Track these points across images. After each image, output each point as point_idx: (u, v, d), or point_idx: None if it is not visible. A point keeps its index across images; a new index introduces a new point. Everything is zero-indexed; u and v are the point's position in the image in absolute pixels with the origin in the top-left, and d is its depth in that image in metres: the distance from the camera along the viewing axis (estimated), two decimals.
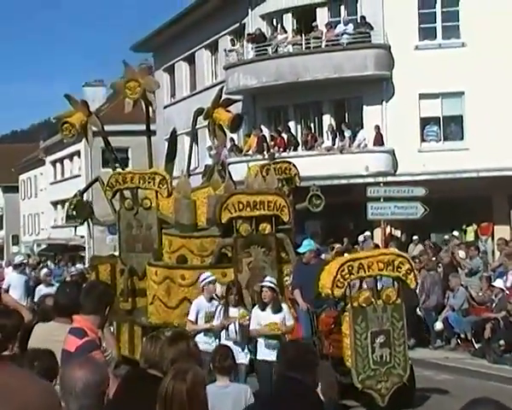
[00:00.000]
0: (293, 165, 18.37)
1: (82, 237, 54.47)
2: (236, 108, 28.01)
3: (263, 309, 13.29)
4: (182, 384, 5.13)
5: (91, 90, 58.19)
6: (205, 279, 13.72)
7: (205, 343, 12.62)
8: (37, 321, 8.71)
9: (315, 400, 6.12)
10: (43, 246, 60.54)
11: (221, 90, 19.10)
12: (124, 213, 16.66)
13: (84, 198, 18.32)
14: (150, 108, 18.89)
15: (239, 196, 15.11)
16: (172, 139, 20.19)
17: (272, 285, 13.43)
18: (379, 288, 14.47)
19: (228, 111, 18.01)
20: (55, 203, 63.70)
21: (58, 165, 63.98)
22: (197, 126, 19.58)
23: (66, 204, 61.09)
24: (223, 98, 18.21)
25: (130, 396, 6.51)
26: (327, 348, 14.49)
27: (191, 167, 21.08)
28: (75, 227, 55.43)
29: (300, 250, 16.54)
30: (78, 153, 57.80)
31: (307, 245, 16.55)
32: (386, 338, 13.77)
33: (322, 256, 19.82)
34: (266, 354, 12.84)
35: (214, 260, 15.17)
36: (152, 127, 45.40)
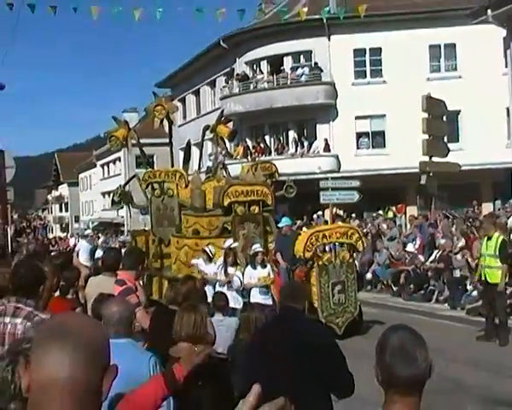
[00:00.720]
0: (274, 164, 18.59)
1: (122, 217, 54.29)
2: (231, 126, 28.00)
3: (254, 268, 13.33)
4: (191, 313, 5.18)
5: (128, 115, 57.65)
6: (228, 244, 13.78)
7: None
8: (90, 275, 8.72)
9: (306, 318, 6.35)
10: (96, 223, 60.32)
11: (222, 112, 19.52)
12: (154, 200, 16.93)
13: (126, 189, 18.17)
14: (172, 126, 19.14)
15: (236, 187, 15.48)
16: (187, 148, 20.30)
17: (261, 250, 13.70)
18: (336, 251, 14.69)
19: (227, 127, 18.28)
20: (103, 193, 63.51)
21: (105, 167, 63.82)
22: (205, 138, 19.48)
23: (112, 194, 61.19)
24: (223, 118, 18.48)
25: (159, 325, 6.52)
26: None
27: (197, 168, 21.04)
28: (117, 210, 55.73)
29: (280, 225, 16.67)
30: (119, 158, 57.57)
31: (285, 221, 16.71)
32: (342, 287, 14.20)
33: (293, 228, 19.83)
34: (259, 298, 12.93)
35: (219, 232, 15.42)
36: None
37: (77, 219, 75.24)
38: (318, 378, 5.19)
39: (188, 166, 18.92)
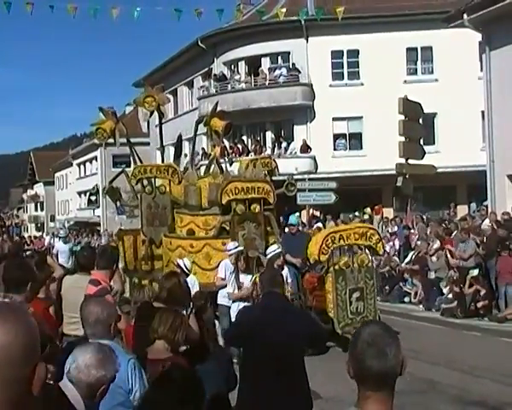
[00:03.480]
0: (274, 160, 17.52)
1: (98, 216, 54.11)
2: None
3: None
4: (174, 316, 5.18)
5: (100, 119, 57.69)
6: (233, 248, 12.60)
7: (224, 297, 12.17)
8: (65, 274, 8.62)
9: (287, 301, 6.67)
10: (72, 223, 59.97)
11: (216, 104, 17.84)
12: (145, 197, 15.53)
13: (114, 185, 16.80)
14: (162, 118, 17.70)
15: (235, 183, 14.15)
16: (179, 142, 19.47)
17: (282, 251, 12.87)
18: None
19: (222, 120, 16.94)
20: (79, 193, 63.34)
21: (82, 166, 63.56)
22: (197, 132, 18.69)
23: (88, 193, 60.43)
24: (217, 110, 17.28)
25: (143, 322, 6.52)
26: (310, 301, 13.64)
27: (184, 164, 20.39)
28: (93, 210, 55.50)
29: (293, 222, 15.90)
30: (95, 157, 57.39)
31: (295, 219, 15.94)
32: (360, 294, 12.91)
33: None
34: None
35: (216, 232, 14.20)
36: (147, 140, 45.20)
37: (52, 219, 74.81)
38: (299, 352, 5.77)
39: (179, 162, 17.98)
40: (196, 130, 18.44)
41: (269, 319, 5.71)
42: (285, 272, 12.40)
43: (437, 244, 18.80)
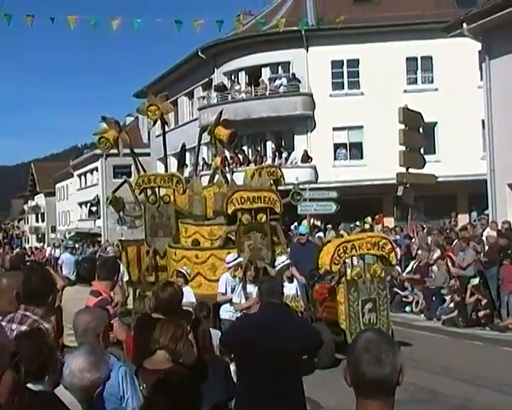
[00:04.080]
0: (280, 169, 17.15)
1: (99, 227, 54.10)
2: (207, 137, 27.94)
3: None
4: (176, 327, 5.16)
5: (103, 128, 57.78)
6: (232, 260, 12.48)
7: (228, 312, 11.81)
8: (66, 285, 8.62)
9: (286, 311, 6.67)
10: (72, 233, 59.94)
11: (221, 112, 17.44)
12: (148, 207, 15.28)
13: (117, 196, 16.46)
14: (165, 127, 17.36)
15: (241, 193, 13.78)
16: (182, 152, 19.28)
17: (291, 262, 12.61)
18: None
19: (226, 128, 16.73)
20: (80, 204, 63.41)
21: (82, 177, 63.64)
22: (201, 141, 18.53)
23: (89, 204, 60.34)
24: (222, 119, 16.95)
25: (142, 333, 6.51)
26: (321, 312, 13.38)
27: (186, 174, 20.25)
28: (94, 220, 55.51)
29: (302, 231, 15.57)
30: (96, 168, 57.44)
31: (303, 229, 15.62)
32: (373, 305, 12.45)
33: None
34: None
35: (222, 242, 13.94)
36: (147, 151, 45.20)
37: (53, 230, 74.83)
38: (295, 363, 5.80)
39: (183, 171, 17.70)
40: (200, 139, 18.31)
41: (266, 327, 5.71)
42: (294, 284, 12.31)
43: (437, 253, 18.78)
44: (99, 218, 54.47)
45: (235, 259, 12.41)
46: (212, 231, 14.45)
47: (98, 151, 54.45)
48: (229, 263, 12.36)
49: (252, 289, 11.53)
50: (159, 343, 5.32)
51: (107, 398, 4.54)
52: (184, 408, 3.75)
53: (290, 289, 12.02)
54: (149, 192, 15.40)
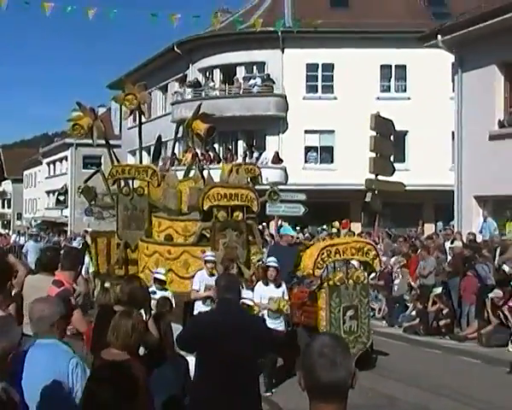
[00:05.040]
0: (258, 167, 16.95)
1: (66, 216, 53.66)
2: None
3: (266, 284, 11.78)
4: (127, 320, 5.09)
5: (77, 114, 57.23)
6: (206, 257, 12.23)
7: (202, 309, 11.28)
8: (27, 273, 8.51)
9: (241, 309, 6.62)
10: (39, 221, 59.40)
11: (199, 105, 16.92)
12: (121, 198, 14.91)
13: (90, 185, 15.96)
14: (142, 118, 16.85)
15: (218, 189, 13.46)
16: (158, 143, 18.90)
17: (277, 265, 11.86)
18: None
19: (204, 122, 16.20)
20: (48, 192, 62.80)
21: (51, 165, 63.06)
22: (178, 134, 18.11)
23: (57, 193, 59.73)
24: (200, 112, 16.44)
25: (101, 325, 6.47)
26: (299, 317, 12.98)
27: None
28: (61, 210, 55.01)
29: (282, 231, 15.13)
30: (65, 157, 56.97)
31: (286, 229, 15.15)
32: (354, 312, 12.03)
33: None
34: (269, 322, 10.74)
35: (196, 239, 13.52)
36: (118, 143, 44.89)
37: (19, 217, 74.08)
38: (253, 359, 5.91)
39: (158, 163, 17.50)
40: (177, 132, 17.98)
41: (222, 324, 5.73)
42: (282, 288, 11.88)
43: (402, 261, 18.93)
44: (66, 207, 54.03)
45: (213, 255, 12.28)
46: (186, 227, 14.04)
47: (69, 140, 54.09)
48: (207, 256, 12.22)
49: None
50: (112, 343, 5.26)
51: (55, 389, 4.52)
52: (125, 400, 3.75)
53: (276, 291, 11.69)
54: (122, 183, 15.07)
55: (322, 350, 2.73)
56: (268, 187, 15.45)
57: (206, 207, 13.27)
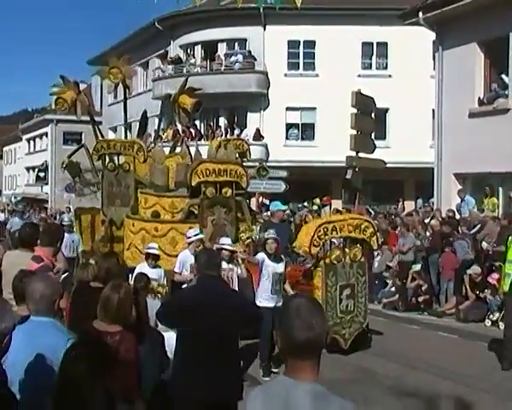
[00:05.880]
0: (246, 142, 16.66)
1: (46, 193, 53.36)
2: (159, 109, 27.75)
3: (268, 257, 10.80)
4: (115, 294, 5.11)
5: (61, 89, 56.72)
6: (193, 236, 11.37)
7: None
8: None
9: (222, 284, 6.49)
10: (19, 198, 58.98)
11: (186, 80, 16.50)
12: (107, 174, 14.57)
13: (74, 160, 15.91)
14: (127, 92, 16.77)
15: (206, 164, 13.13)
16: (144, 118, 18.61)
17: (277, 237, 10.94)
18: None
19: (191, 97, 15.91)
20: (28, 168, 62.36)
21: (31, 141, 62.57)
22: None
23: (36, 169, 59.21)
24: (187, 87, 16.10)
25: (79, 301, 6.49)
26: None
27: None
28: (42, 186, 54.67)
29: (273, 207, 14.76)
30: (46, 134, 56.51)
31: (277, 205, 14.82)
32: (351, 291, 11.81)
33: None
34: (266, 301, 10.48)
35: (183, 216, 13.21)
36: (99, 119, 44.71)
37: None
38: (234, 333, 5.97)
39: (143, 139, 17.15)
40: (163, 106, 17.73)
41: (203, 300, 5.77)
42: (283, 264, 11.05)
43: (382, 238, 19.05)
44: (46, 184, 53.72)
45: (197, 234, 11.49)
46: (173, 203, 13.73)
47: (48, 116, 53.70)
48: (190, 238, 11.42)
49: (225, 266, 10.48)
50: (100, 315, 5.27)
51: (53, 369, 4.53)
52: (96, 375, 3.79)
53: (278, 266, 10.86)
54: (108, 159, 14.72)
55: (298, 311, 2.89)
56: (252, 164, 15.17)
57: (194, 183, 13.02)
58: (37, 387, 4.48)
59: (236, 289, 10.42)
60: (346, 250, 11.98)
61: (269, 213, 19.80)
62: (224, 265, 10.47)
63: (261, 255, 10.84)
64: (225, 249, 10.77)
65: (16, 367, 4.49)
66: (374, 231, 12.09)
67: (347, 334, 11.79)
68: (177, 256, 11.68)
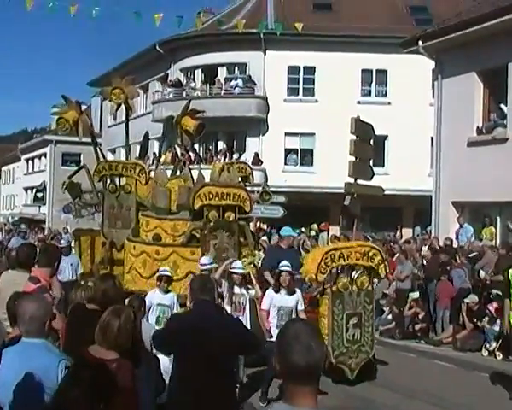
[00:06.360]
0: (249, 166, 16.53)
1: (44, 213, 53.29)
2: (159, 132, 27.79)
3: (277, 291, 10.59)
4: (115, 320, 5.03)
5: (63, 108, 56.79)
6: (208, 264, 11.07)
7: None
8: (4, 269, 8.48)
9: (217, 309, 6.53)
10: (16, 218, 58.89)
11: (189, 102, 16.43)
12: (108, 195, 14.39)
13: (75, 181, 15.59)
14: (129, 113, 16.24)
15: (209, 188, 12.93)
16: (145, 140, 18.49)
17: (290, 270, 10.72)
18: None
19: (194, 119, 15.71)
20: (26, 189, 62.34)
21: (30, 162, 62.62)
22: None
23: (34, 190, 59.11)
24: (190, 108, 15.97)
25: (75, 323, 6.42)
26: None
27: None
28: (39, 207, 54.62)
29: (283, 234, 14.46)
30: (44, 154, 56.57)
31: (289, 230, 14.49)
32: (358, 320, 11.59)
33: None
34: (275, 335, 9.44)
35: (186, 240, 12.97)
36: (98, 140, 44.76)
37: None
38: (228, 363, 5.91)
39: (145, 160, 16.99)
40: (166, 128, 17.59)
41: (199, 326, 5.72)
42: (296, 295, 10.74)
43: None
44: (44, 205, 53.67)
45: (211, 263, 11.22)
46: (175, 227, 13.47)
47: (48, 137, 53.76)
48: (203, 266, 11.03)
49: (238, 292, 10.53)
50: (98, 340, 5.20)
51: (44, 391, 4.49)
52: (97, 400, 3.75)
53: (289, 299, 10.58)
54: (109, 180, 14.51)
55: (297, 336, 2.88)
56: (250, 188, 14.97)
57: (196, 207, 12.80)
58: (27, 408, 4.44)
59: (248, 315, 10.43)
60: (354, 278, 11.72)
61: (276, 237, 19.54)
62: (236, 290, 10.51)
63: (268, 294, 10.60)
64: (236, 273, 10.58)
65: (6, 388, 4.45)
66: (382, 259, 11.86)
67: (353, 364, 11.53)
68: (177, 281, 11.52)
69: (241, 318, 9.72)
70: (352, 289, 11.60)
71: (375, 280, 18.09)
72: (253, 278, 10.99)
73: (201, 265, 11.11)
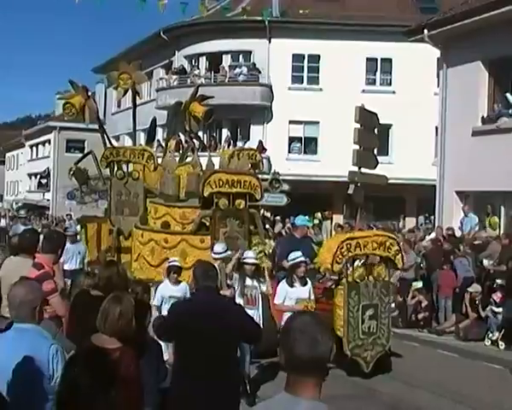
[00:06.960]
0: (259, 152, 16.29)
1: (48, 200, 53.35)
2: (163, 119, 27.73)
3: (291, 285, 10.48)
4: (116, 306, 5.01)
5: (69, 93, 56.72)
6: (222, 252, 10.80)
7: None
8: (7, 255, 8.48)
9: (219, 296, 6.61)
10: (20, 204, 58.96)
11: (197, 88, 16.12)
12: (115, 182, 14.05)
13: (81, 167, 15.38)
14: (136, 98, 16.01)
15: (219, 175, 12.64)
16: (153, 126, 18.30)
17: (305, 260, 10.68)
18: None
19: (202, 105, 15.50)
20: (30, 175, 62.41)
21: (34, 148, 62.62)
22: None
23: (38, 175, 59.13)
24: (198, 94, 15.72)
25: (79, 310, 6.42)
26: None
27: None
28: (43, 193, 54.66)
29: (297, 223, 14.29)
30: (48, 141, 56.56)
31: (304, 219, 14.31)
32: (374, 311, 11.31)
33: None
34: None
35: (195, 227, 12.65)
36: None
37: (0, 199, 73.51)
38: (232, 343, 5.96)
39: (152, 146, 16.72)
40: (174, 114, 17.00)
41: (201, 312, 5.72)
42: (308, 286, 10.73)
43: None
44: (48, 191, 53.72)
45: (225, 251, 10.90)
46: (184, 214, 13.12)
47: (52, 123, 53.73)
48: (216, 254, 10.76)
49: (249, 283, 10.30)
50: (104, 330, 5.17)
51: (35, 376, 4.50)
52: (103, 388, 3.74)
53: (303, 290, 10.56)
54: (115, 167, 14.24)
55: (304, 328, 2.85)
56: (259, 176, 14.71)
57: (206, 194, 12.54)
58: (18, 391, 4.45)
59: (260, 309, 10.26)
60: (370, 268, 11.51)
61: (279, 226, 19.31)
62: (248, 281, 10.28)
63: (283, 288, 10.49)
64: (248, 264, 10.38)
65: None
66: (399, 249, 11.58)
67: (369, 357, 11.27)
68: (186, 269, 11.02)
69: (253, 311, 9.62)
70: (369, 280, 11.35)
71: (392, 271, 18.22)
72: (266, 273, 10.85)
73: (214, 253, 10.87)
